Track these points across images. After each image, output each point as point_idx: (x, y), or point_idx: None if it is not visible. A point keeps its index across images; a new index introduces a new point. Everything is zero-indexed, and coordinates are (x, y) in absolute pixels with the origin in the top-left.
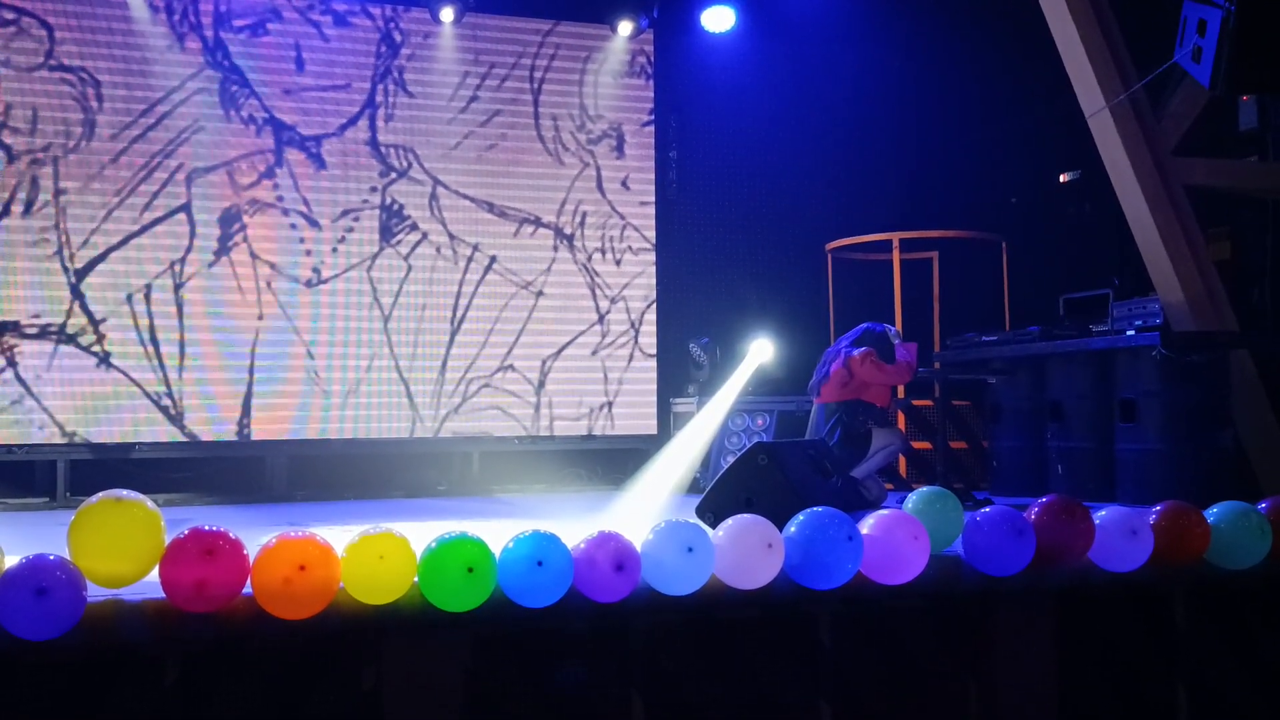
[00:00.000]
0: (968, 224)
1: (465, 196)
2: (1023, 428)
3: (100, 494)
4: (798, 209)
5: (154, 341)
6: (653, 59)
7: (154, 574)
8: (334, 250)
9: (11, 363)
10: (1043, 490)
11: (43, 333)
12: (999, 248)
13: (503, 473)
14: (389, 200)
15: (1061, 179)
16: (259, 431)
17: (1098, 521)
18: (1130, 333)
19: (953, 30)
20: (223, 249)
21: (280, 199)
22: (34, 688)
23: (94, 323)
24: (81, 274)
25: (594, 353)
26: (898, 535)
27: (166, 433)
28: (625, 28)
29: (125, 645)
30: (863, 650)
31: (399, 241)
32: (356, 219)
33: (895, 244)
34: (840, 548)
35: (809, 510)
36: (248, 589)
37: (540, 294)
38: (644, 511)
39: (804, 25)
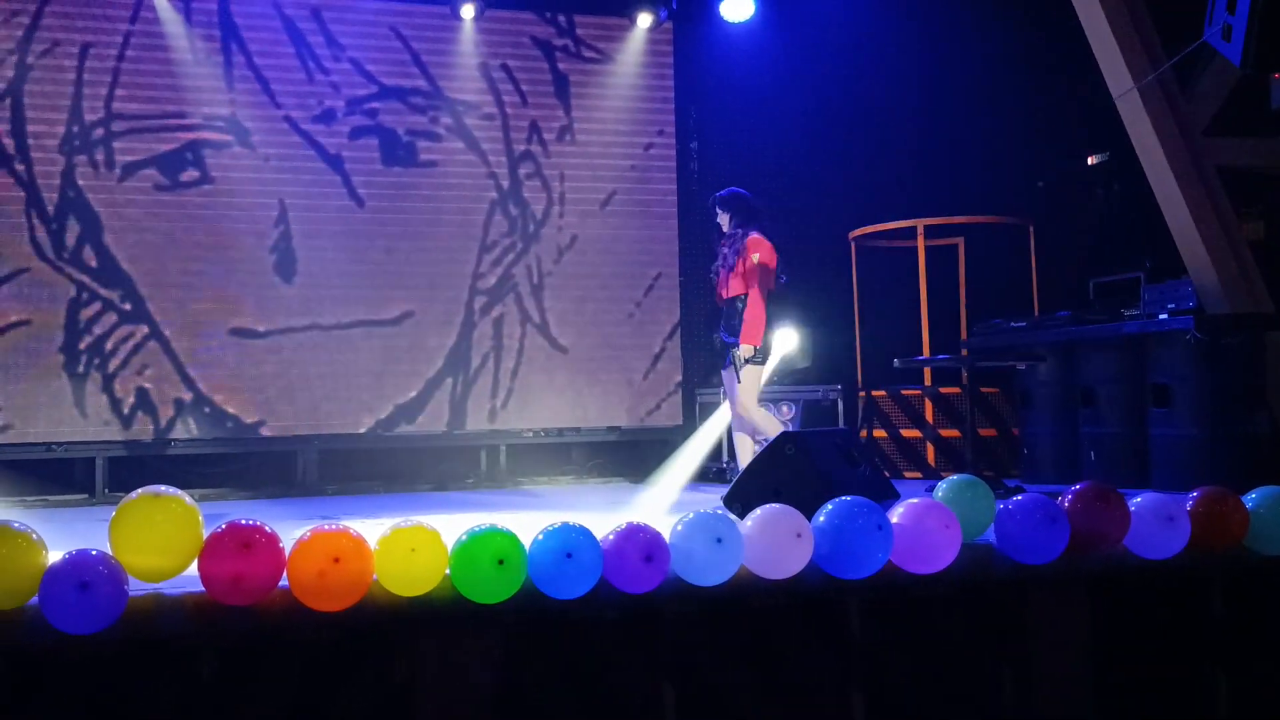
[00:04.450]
0: (994, 209)
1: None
2: (1053, 414)
3: (140, 490)
4: (821, 197)
5: (187, 335)
6: (672, 50)
7: (193, 568)
8: (364, 243)
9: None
10: (1075, 477)
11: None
12: (1026, 232)
13: (530, 465)
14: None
15: (1090, 161)
16: (290, 426)
17: (1133, 508)
18: (1163, 316)
19: (976, 12)
20: (260, 245)
21: (320, 201)
22: (77, 680)
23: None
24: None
25: (619, 344)
26: (928, 524)
27: (199, 428)
28: (644, 19)
29: (165, 638)
30: (894, 639)
31: (426, 235)
32: (389, 202)
33: (920, 230)
34: (870, 537)
35: (838, 499)
36: (283, 582)
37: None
38: (669, 502)
39: (823, 12)
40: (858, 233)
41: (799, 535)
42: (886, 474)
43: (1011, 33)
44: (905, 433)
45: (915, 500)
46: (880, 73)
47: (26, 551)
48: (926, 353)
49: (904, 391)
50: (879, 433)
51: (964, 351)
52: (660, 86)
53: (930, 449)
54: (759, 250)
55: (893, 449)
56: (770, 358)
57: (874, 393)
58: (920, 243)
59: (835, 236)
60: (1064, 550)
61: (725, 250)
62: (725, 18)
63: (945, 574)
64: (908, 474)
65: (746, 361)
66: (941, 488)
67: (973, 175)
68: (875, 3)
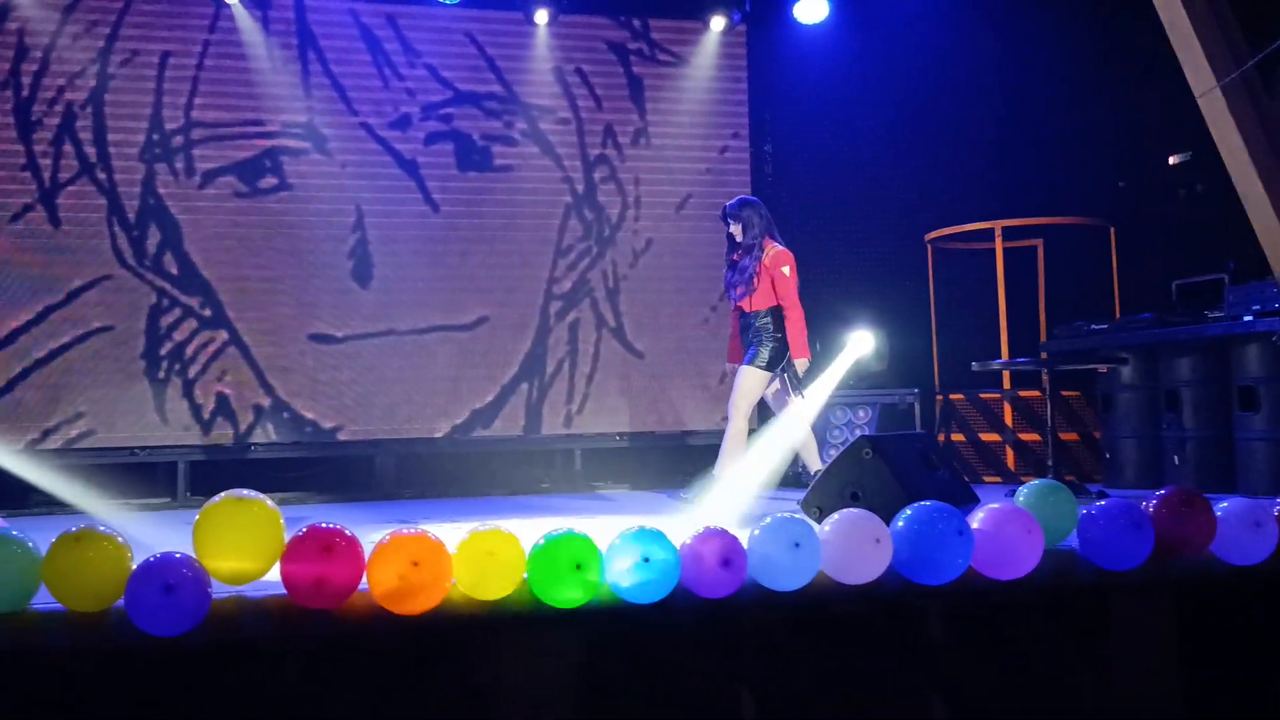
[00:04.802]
0: (1074, 210)
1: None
2: (1136, 418)
3: (223, 493)
4: (896, 199)
5: (266, 341)
6: (746, 53)
7: (274, 571)
8: (440, 248)
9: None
10: (1158, 482)
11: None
12: (1107, 233)
13: (604, 469)
14: (500, 195)
15: (1171, 161)
16: (366, 431)
17: (1219, 513)
18: (1247, 318)
19: (1054, 10)
20: (337, 251)
21: (396, 207)
22: (162, 681)
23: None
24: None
25: (695, 348)
26: (1010, 529)
27: (278, 433)
28: (718, 22)
29: (248, 640)
30: (974, 646)
31: (501, 239)
32: (465, 207)
33: (998, 232)
34: (950, 542)
35: (917, 504)
36: (363, 585)
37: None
38: (745, 507)
39: (899, 11)
40: (934, 235)
41: (878, 540)
42: (965, 479)
43: (1091, 31)
44: (984, 437)
45: (996, 505)
46: (957, 72)
47: (113, 554)
48: (1005, 356)
49: (982, 395)
50: (957, 437)
51: (1043, 355)
52: (734, 89)
53: (1009, 453)
54: (787, 263)
55: (971, 453)
56: (776, 369)
57: (951, 396)
58: (998, 244)
59: (911, 239)
60: (1149, 556)
61: (742, 262)
62: (799, 19)
63: (1027, 580)
64: (987, 478)
65: (782, 370)
66: (1023, 492)
67: (1052, 176)
68: (952, 2)
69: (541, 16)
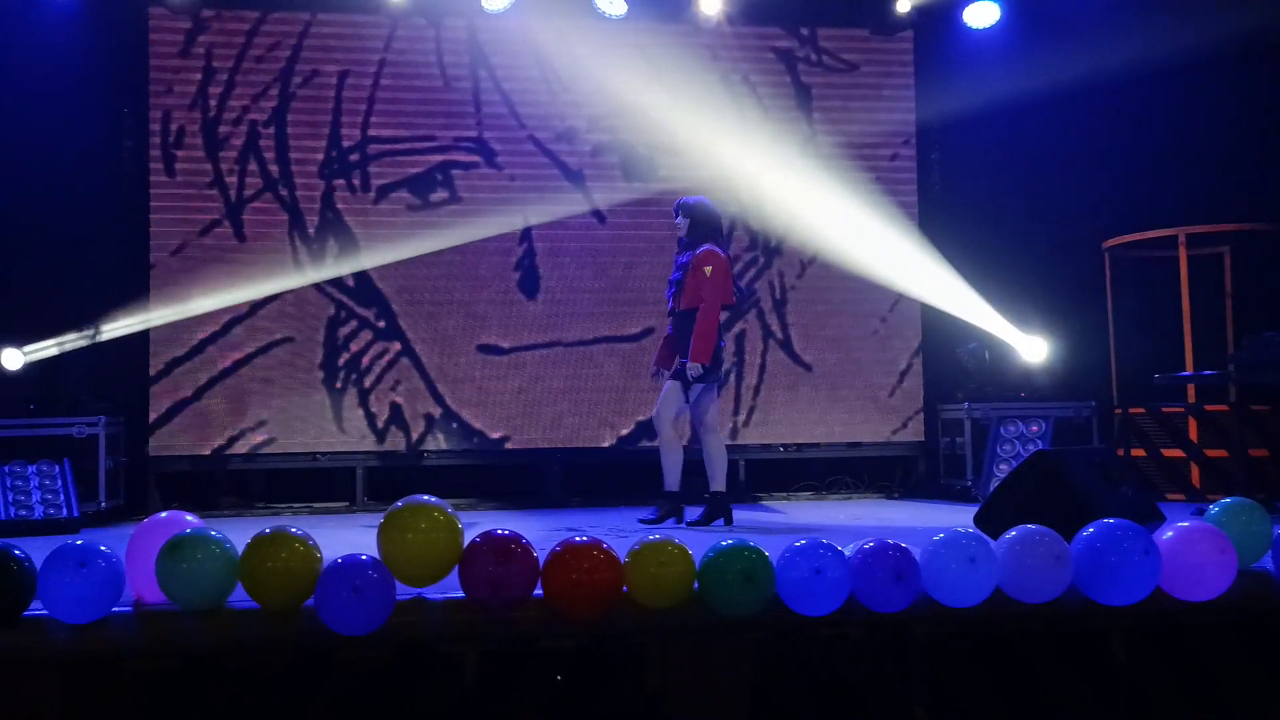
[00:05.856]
0: (1263, 215)
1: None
2: None
3: (405, 499)
4: (1071, 206)
5: (437, 352)
6: (913, 59)
7: (452, 574)
8: (606, 260)
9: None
10: None
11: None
12: None
13: (768, 481)
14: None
15: None
16: (533, 440)
17: None
18: None
19: (1239, 6)
20: (505, 263)
21: (562, 218)
22: (349, 679)
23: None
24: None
25: (863, 360)
26: (1200, 549)
27: (448, 442)
28: (886, 29)
29: (429, 641)
30: (1160, 668)
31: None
32: (630, 218)
33: (1181, 239)
34: (1136, 561)
35: (1099, 521)
36: (538, 590)
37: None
38: (915, 520)
39: (1073, 12)
40: (1112, 242)
41: (1058, 558)
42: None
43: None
44: (1166, 452)
45: (1185, 523)
46: (1135, 73)
47: (304, 556)
48: (1190, 368)
49: (1164, 409)
50: (1137, 451)
51: (1231, 367)
52: (902, 96)
53: (1194, 470)
54: (712, 263)
55: (1152, 469)
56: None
57: (1131, 410)
58: (1182, 252)
59: (1088, 246)
60: None
61: (681, 258)
62: (968, 24)
63: (1218, 602)
64: (1170, 496)
65: (694, 380)
66: (1213, 510)
67: (1240, 180)
68: (1129, 1)
69: (708, 26)
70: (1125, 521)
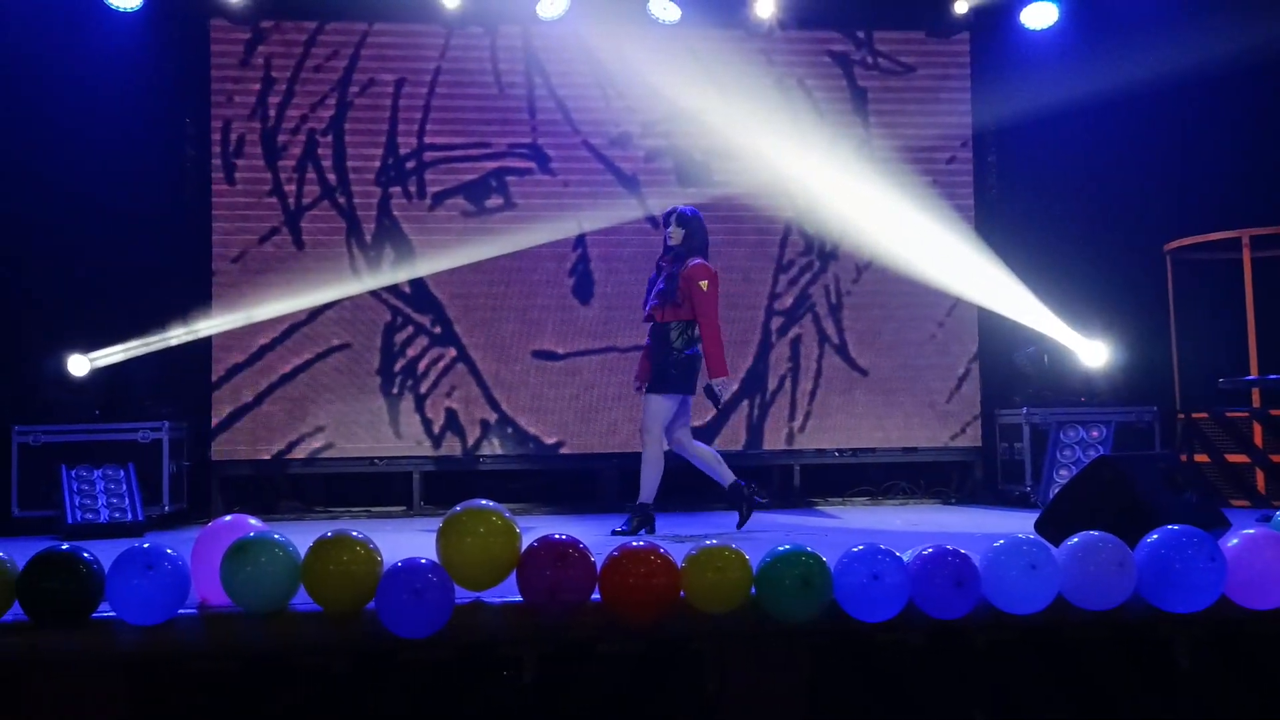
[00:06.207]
0: None
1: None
2: None
3: (463, 503)
4: (1132, 208)
5: (492, 358)
6: (970, 61)
7: (510, 578)
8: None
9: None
10: None
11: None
12: None
13: (823, 486)
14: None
15: None
16: (588, 445)
17: None
18: None
19: None
20: (559, 269)
21: (617, 224)
22: (409, 681)
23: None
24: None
25: (919, 365)
26: (1267, 555)
27: (503, 447)
28: (943, 31)
29: (488, 644)
30: (1227, 678)
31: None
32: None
33: (1245, 242)
34: (1201, 568)
35: (1164, 528)
36: (595, 594)
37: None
38: (974, 526)
39: (1134, 11)
40: (1174, 245)
41: (1121, 564)
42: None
43: None
44: (1230, 458)
45: (1251, 530)
46: (1197, 73)
47: (365, 560)
48: (1255, 372)
49: (1229, 414)
50: (1200, 457)
51: None
52: (958, 99)
53: (1260, 476)
54: (705, 276)
55: (1216, 475)
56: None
57: (1194, 415)
58: (1246, 254)
59: (1149, 249)
60: None
61: (670, 269)
62: (1026, 25)
63: None
64: (1235, 502)
65: (721, 394)
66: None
67: None
68: (1189, 1)
69: (763, 30)
70: (1190, 528)
